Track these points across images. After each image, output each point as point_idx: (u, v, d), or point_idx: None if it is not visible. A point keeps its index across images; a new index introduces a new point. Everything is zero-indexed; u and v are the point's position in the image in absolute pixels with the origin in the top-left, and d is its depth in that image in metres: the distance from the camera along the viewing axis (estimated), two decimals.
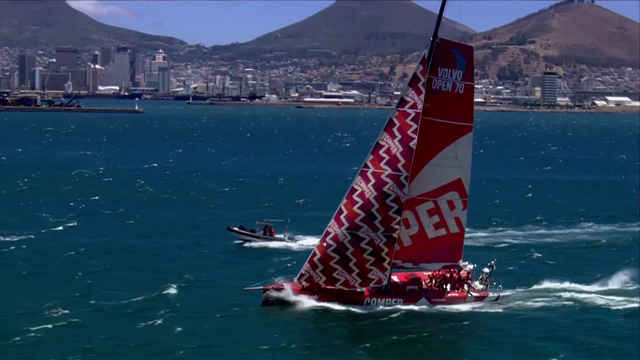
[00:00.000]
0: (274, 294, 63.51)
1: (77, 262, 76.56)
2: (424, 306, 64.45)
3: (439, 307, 64.69)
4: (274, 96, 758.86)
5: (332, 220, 64.03)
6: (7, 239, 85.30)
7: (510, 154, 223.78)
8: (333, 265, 63.75)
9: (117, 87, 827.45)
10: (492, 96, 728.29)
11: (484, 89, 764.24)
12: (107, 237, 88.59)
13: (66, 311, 60.72)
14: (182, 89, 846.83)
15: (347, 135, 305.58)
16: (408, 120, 62.61)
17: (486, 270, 67.92)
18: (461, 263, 67.32)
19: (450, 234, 65.84)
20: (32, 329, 56.79)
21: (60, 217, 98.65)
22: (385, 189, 62.62)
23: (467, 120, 63.75)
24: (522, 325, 60.90)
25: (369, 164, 63.42)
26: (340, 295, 63.91)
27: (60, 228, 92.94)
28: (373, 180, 62.99)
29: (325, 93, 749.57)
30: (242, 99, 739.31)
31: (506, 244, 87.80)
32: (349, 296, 64.00)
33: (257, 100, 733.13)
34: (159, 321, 59.72)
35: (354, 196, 63.53)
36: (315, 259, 64.15)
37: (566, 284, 69.67)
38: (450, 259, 66.54)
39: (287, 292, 63.30)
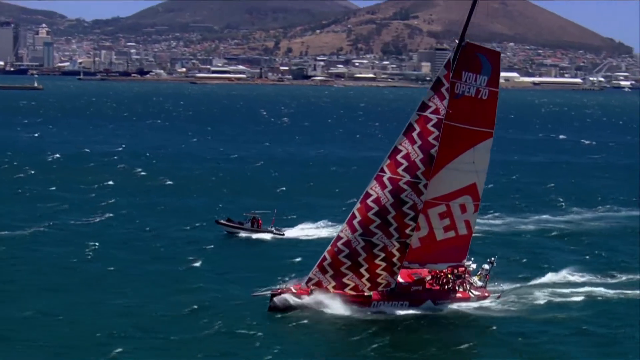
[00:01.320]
0: (282, 299, 61.63)
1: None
2: (430, 309, 63.55)
3: (444, 308, 63.98)
4: (163, 72, 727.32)
5: (345, 225, 61.91)
6: None
7: None
8: (344, 270, 62.02)
9: (2, 63, 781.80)
10: (382, 72, 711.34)
11: (370, 65, 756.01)
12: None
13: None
14: (67, 64, 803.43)
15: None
16: (429, 126, 60.23)
17: (486, 266, 67.38)
18: (465, 262, 66.41)
19: (459, 235, 64.67)
20: None
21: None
22: (402, 196, 60.59)
23: (488, 126, 61.74)
24: (530, 325, 61.08)
25: (386, 169, 61.09)
26: (348, 299, 62.45)
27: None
28: (390, 187, 60.81)
29: (212, 68, 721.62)
30: (132, 75, 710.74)
31: None
32: (356, 299, 62.51)
33: (147, 75, 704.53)
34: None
35: (369, 201, 61.34)
36: (325, 263, 62.19)
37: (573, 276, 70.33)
38: (455, 259, 65.54)
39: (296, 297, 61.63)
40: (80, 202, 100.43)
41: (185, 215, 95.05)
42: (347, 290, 62.42)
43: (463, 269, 66.33)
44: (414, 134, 60.58)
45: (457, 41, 60.89)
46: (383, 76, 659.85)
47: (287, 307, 61.68)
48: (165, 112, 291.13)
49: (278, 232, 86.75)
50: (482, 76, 60.68)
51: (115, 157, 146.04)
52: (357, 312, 61.78)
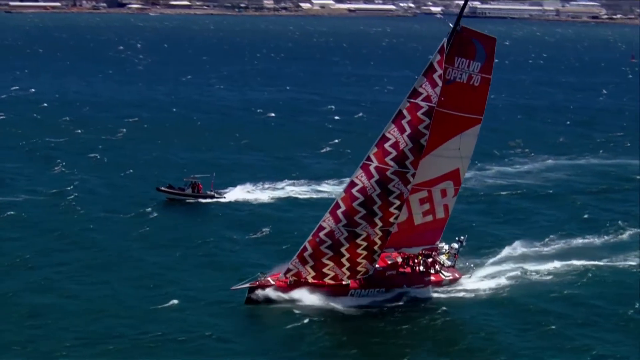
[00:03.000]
0: (261, 292, 58.86)
1: None
2: (405, 294, 62.04)
3: (419, 293, 62.59)
4: None
5: (327, 215, 59.04)
6: None
7: None
8: (325, 261, 59.59)
9: None
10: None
11: None
12: None
13: None
14: None
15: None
16: (420, 114, 57.36)
17: (455, 245, 66.21)
18: (438, 244, 64.94)
19: (436, 219, 63.07)
20: None
21: None
22: (390, 186, 58.02)
23: (477, 112, 59.42)
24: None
25: (373, 158, 58.21)
26: (326, 289, 60.20)
27: None
28: (377, 176, 58.06)
29: None
30: None
31: None
32: (334, 289, 60.30)
33: None
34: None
35: (354, 191, 58.56)
36: (306, 254, 59.50)
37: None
38: (430, 242, 64.05)
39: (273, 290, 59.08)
40: None
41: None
42: (326, 280, 60.11)
43: (431, 250, 64.99)
44: (404, 122, 57.66)
45: (451, 25, 57.80)
46: (198, 3, 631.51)
47: (265, 300, 59.08)
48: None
49: (219, 196, 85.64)
50: (476, 62, 57.99)
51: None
52: (335, 303, 59.66)
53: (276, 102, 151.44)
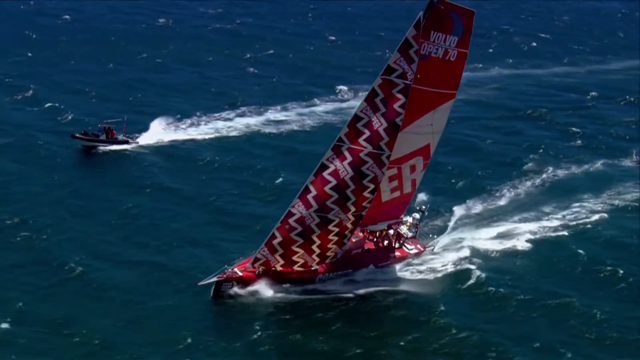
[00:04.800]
0: (228, 285, 55.40)
1: None
2: (372, 274, 59.67)
3: (385, 270, 60.40)
4: None
5: (297, 200, 55.40)
6: None
7: None
8: (295, 249, 56.29)
9: None
10: None
11: None
12: None
13: None
14: None
15: None
16: (395, 91, 53.77)
17: (416, 215, 63.90)
18: (403, 218, 62.41)
19: (403, 194, 60.22)
20: None
21: None
22: (363, 168, 54.66)
23: (452, 87, 56.15)
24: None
25: (344, 139, 54.58)
26: (294, 276, 57.17)
27: None
28: (350, 158, 54.58)
29: None
30: None
31: None
32: (302, 275, 57.31)
33: None
34: None
35: (326, 174, 54.98)
36: (275, 242, 55.99)
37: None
38: (395, 217, 61.40)
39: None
40: None
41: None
42: (295, 267, 56.95)
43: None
44: (377, 100, 54.01)
45: None
46: None
47: (233, 294, 55.67)
48: None
49: (132, 140, 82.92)
50: (452, 37, 54.41)
51: None
52: (303, 291, 56.84)
53: None
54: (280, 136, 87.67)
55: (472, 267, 60.80)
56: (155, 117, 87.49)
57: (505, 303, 56.91)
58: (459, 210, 68.64)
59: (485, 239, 64.63)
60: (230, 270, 55.77)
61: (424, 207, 64.44)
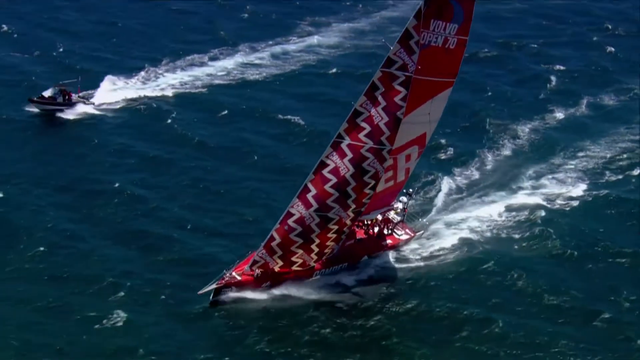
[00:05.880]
0: (227, 291, 53.34)
1: None
2: (366, 265, 58.23)
3: (379, 260, 58.98)
4: None
5: (296, 200, 53.18)
6: None
7: None
8: (294, 249, 54.29)
9: None
10: None
11: None
12: None
13: None
14: None
15: None
16: (395, 84, 51.61)
17: (404, 199, 62.29)
18: (394, 204, 60.75)
19: (396, 183, 58.41)
20: None
21: None
22: (364, 165, 52.63)
23: (451, 75, 53.95)
24: None
25: (344, 135, 52.38)
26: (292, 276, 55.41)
27: None
28: (350, 155, 52.45)
29: None
30: None
31: None
32: (299, 273, 55.50)
33: None
34: None
35: (325, 172, 52.81)
36: (273, 244, 53.84)
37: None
38: (387, 204, 59.67)
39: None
40: None
41: None
42: (294, 267, 55.05)
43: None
44: (377, 94, 51.79)
45: None
46: None
47: (232, 299, 53.63)
48: None
49: (88, 101, 78.97)
50: (452, 24, 52.01)
51: None
52: (301, 290, 55.03)
53: None
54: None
55: (469, 248, 59.87)
56: (108, 72, 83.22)
57: (503, 279, 56.56)
58: (445, 185, 67.10)
59: (480, 215, 63.53)
60: (228, 275, 53.52)
61: (411, 190, 62.80)
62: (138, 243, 57.94)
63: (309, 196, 52.94)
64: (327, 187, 52.75)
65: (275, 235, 53.61)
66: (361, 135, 52.09)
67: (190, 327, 50.97)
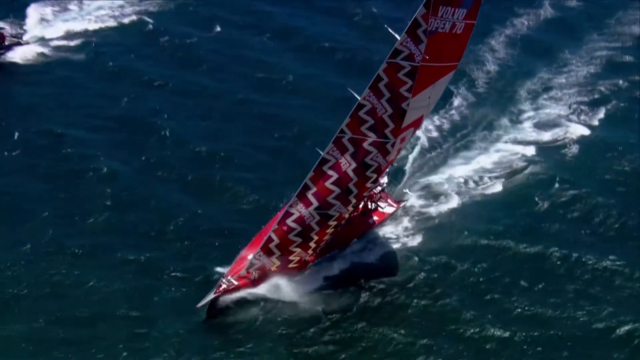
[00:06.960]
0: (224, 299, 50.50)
1: None
2: (357, 247, 55.92)
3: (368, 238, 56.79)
4: None
5: (296, 199, 49.97)
6: None
7: None
8: (292, 249, 51.55)
9: None
10: None
11: None
12: None
13: None
14: None
15: None
16: (401, 75, 48.01)
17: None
18: (381, 180, 58.10)
19: (388, 162, 55.41)
20: None
21: None
22: (367, 159, 49.58)
23: (455, 59, 50.41)
24: None
25: (346, 129, 48.95)
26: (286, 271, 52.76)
27: None
28: (352, 149, 49.25)
29: None
30: None
31: None
32: (294, 268, 52.85)
33: None
34: None
35: (326, 168, 49.60)
36: (271, 245, 50.88)
37: None
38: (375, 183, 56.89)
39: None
40: None
41: None
42: (290, 265, 52.27)
43: None
44: (381, 85, 48.24)
45: None
46: None
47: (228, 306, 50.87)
48: None
49: (23, 41, 71.42)
50: (461, 9, 48.08)
51: None
52: (297, 286, 52.40)
53: None
54: None
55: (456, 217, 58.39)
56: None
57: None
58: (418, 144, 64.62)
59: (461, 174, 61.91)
60: (226, 282, 50.30)
61: None
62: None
63: (309, 194, 49.86)
64: (328, 183, 49.70)
65: (274, 237, 50.58)
66: (363, 129, 48.92)
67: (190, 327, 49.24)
